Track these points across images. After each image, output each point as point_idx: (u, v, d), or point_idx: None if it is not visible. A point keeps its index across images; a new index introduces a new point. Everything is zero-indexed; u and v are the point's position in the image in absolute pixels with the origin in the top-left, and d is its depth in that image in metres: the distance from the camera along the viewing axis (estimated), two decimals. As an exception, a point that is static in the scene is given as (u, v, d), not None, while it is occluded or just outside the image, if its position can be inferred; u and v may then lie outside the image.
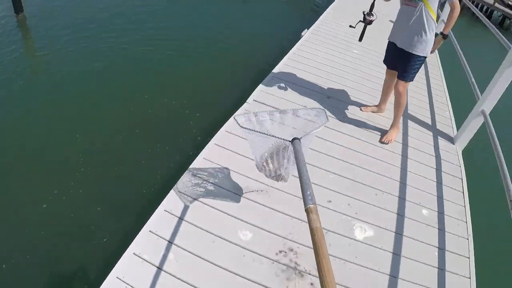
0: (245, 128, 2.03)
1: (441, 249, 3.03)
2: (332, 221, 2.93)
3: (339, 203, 3.11)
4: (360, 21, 3.91)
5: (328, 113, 4.13)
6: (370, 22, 3.91)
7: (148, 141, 4.55)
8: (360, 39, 4.11)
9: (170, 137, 4.61)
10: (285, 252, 2.59)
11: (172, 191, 2.79)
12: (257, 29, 9.30)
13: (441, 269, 2.87)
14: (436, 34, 3.56)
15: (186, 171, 2.96)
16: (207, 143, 3.32)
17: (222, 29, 8.79)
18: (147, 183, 3.94)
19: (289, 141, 1.88)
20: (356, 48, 6.14)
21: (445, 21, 3.50)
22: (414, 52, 3.59)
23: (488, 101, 4.06)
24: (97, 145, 4.39)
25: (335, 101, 4.41)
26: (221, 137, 3.39)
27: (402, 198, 3.37)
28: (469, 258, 3.05)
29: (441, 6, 3.71)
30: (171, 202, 2.71)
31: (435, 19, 3.47)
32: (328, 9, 8.06)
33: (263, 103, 3.96)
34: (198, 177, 2.94)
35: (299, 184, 1.42)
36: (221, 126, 3.54)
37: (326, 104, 4.26)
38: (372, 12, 3.86)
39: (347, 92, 4.71)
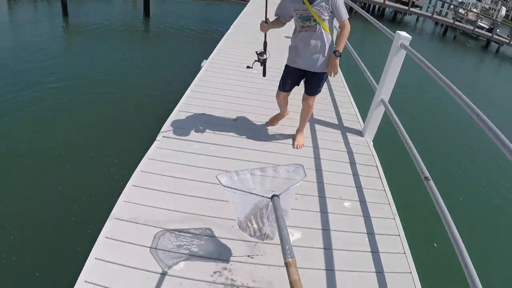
0: (227, 187, 2.09)
1: (370, 233, 3.12)
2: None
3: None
4: (256, 60, 3.95)
5: (237, 134, 4.19)
6: (265, 61, 3.95)
7: (70, 193, 4.49)
8: (264, 74, 4.16)
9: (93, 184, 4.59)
10: (219, 272, 2.56)
11: (99, 239, 2.68)
12: (159, 67, 9.48)
13: (375, 252, 2.96)
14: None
15: (109, 218, 2.86)
16: (126, 185, 3.24)
17: (127, 71, 8.88)
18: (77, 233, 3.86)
19: (269, 198, 1.96)
20: (257, 69, 6.30)
21: (336, 39, 3.74)
22: (321, 71, 3.79)
23: (385, 89, 4.30)
24: None
25: (241, 121, 4.48)
26: (138, 177, 3.32)
27: (322, 197, 3.44)
28: (399, 235, 3.17)
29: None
30: (101, 248, 2.60)
31: (332, 35, 3.71)
32: (223, 38, 8.26)
33: (173, 138, 3.94)
34: (123, 220, 2.85)
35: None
36: (136, 167, 3.47)
37: (234, 127, 4.32)
38: (266, 51, 3.92)
39: (251, 111, 4.81)
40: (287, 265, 1.37)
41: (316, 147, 4.22)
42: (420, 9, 36.86)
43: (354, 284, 2.66)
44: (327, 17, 3.55)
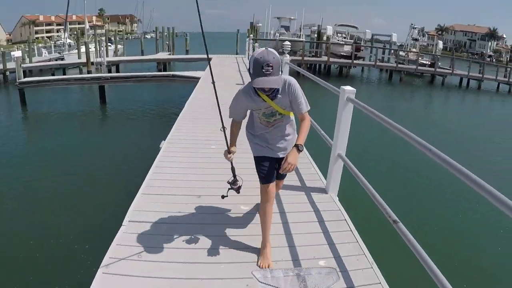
0: (263, 283, 2.31)
1: (350, 287, 3.11)
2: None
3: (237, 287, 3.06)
4: (229, 188, 3.67)
5: (203, 211, 4.19)
6: (239, 188, 3.66)
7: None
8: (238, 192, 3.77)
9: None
10: None
11: None
12: (120, 152, 9.54)
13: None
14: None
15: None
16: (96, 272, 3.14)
17: (88, 158, 8.87)
18: None
19: None
20: (215, 144, 6.42)
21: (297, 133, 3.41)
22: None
23: (340, 144, 4.44)
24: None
25: (205, 198, 4.47)
26: (108, 264, 3.22)
27: (295, 260, 3.43)
28: (380, 283, 3.18)
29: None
30: None
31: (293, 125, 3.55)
32: (179, 117, 8.39)
33: (139, 221, 3.89)
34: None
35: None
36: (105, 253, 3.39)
37: (198, 204, 4.32)
38: (236, 178, 3.67)
39: (214, 185, 4.74)
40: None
41: (282, 212, 4.24)
42: (363, 60, 38.71)
43: None
44: (289, 107, 3.31)
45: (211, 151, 6.06)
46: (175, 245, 3.55)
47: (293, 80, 3.19)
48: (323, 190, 4.72)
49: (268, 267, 3.31)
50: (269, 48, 2.99)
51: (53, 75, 26.87)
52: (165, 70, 29.87)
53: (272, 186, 3.45)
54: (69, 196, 6.98)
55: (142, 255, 3.38)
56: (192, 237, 3.70)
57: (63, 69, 30.60)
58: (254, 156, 3.55)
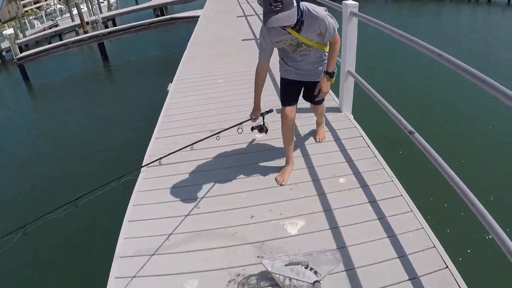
0: (274, 273, 2.33)
1: (373, 201, 3.11)
2: (263, 232, 2.90)
3: (261, 213, 3.10)
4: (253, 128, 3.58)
5: (219, 144, 4.12)
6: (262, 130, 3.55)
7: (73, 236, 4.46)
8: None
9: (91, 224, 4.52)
10: (234, 279, 2.54)
11: (110, 281, 2.64)
12: (129, 102, 9.53)
13: (381, 217, 2.94)
14: None
15: (115, 258, 2.82)
16: (123, 222, 3.19)
17: (100, 114, 8.90)
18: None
19: (311, 283, 2.19)
20: (222, 77, 6.34)
21: (327, 57, 3.27)
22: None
23: (348, 60, 4.32)
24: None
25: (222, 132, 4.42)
26: (132, 212, 3.27)
27: (316, 180, 3.42)
28: (401, 195, 3.16)
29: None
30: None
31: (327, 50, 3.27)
32: (182, 58, 8.25)
33: (157, 165, 3.88)
34: (128, 256, 2.81)
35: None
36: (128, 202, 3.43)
37: (213, 139, 4.27)
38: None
39: (228, 118, 4.75)
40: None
41: (298, 135, 4.19)
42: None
43: (370, 254, 2.64)
44: (316, 39, 3.11)
45: (219, 85, 5.96)
46: (194, 181, 3.57)
47: (319, 13, 2.92)
48: (337, 110, 4.64)
49: (282, 181, 3.42)
50: None
51: (50, 43, 26.45)
52: (162, 15, 29.19)
53: (291, 110, 3.35)
54: (84, 150, 7.01)
55: (163, 197, 3.42)
56: (211, 171, 3.70)
57: (59, 35, 29.84)
58: (280, 78, 3.51)
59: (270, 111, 3.61)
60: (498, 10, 30.86)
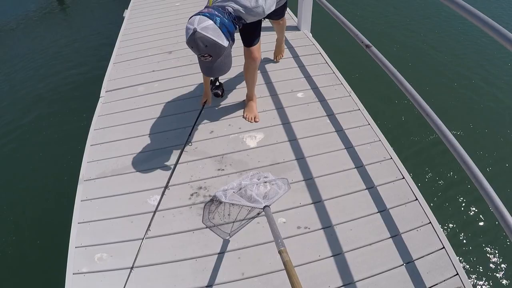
0: (227, 202, 2.46)
1: (331, 114, 3.19)
2: (223, 145, 2.97)
3: (220, 128, 3.16)
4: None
5: (176, 64, 4.12)
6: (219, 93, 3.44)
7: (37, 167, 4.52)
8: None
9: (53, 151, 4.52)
10: (196, 192, 2.61)
11: (76, 203, 2.68)
12: (84, 33, 9.18)
13: (339, 130, 3.05)
14: None
15: (79, 182, 2.84)
16: (85, 146, 3.20)
17: (55, 47, 8.60)
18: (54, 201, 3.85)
19: (261, 208, 2.24)
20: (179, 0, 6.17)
21: None
22: None
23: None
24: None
25: (177, 53, 4.38)
26: (94, 136, 3.26)
27: (274, 95, 3.46)
28: (359, 109, 3.25)
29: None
30: (81, 211, 2.60)
31: None
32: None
33: (115, 89, 3.84)
34: (92, 179, 2.84)
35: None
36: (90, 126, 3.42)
37: (171, 59, 4.23)
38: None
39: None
40: (280, 252, 1.71)
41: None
42: None
43: (328, 164, 2.76)
44: None
45: (177, 8, 5.81)
46: (153, 102, 3.56)
47: None
48: (296, 28, 4.59)
49: (255, 118, 3.19)
50: (200, 19, 2.35)
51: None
52: None
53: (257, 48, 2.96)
54: (43, 89, 6.82)
55: (123, 119, 3.41)
56: (169, 91, 3.69)
57: None
58: None
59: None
60: None
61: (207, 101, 3.23)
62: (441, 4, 2.03)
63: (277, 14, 3.13)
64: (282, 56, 4.00)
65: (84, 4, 12.26)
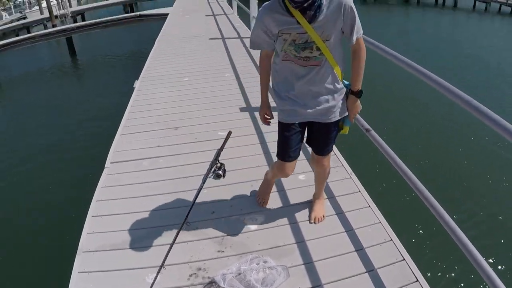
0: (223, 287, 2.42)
1: (331, 197, 3.22)
2: (224, 227, 2.98)
3: (222, 209, 3.17)
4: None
5: (181, 141, 4.23)
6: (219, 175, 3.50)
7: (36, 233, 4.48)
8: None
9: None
10: (195, 273, 2.59)
11: (73, 275, 2.66)
12: (95, 99, 9.48)
13: (340, 213, 3.06)
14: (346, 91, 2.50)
15: (77, 254, 2.83)
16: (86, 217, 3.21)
17: (65, 111, 8.80)
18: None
19: None
20: (188, 75, 6.39)
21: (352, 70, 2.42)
22: (334, 120, 2.53)
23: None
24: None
25: (183, 129, 4.51)
26: (96, 207, 3.28)
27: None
28: (359, 191, 3.29)
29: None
30: (77, 284, 2.58)
31: (340, 75, 2.40)
32: (149, 55, 8.25)
33: (121, 161, 3.92)
34: (91, 251, 2.83)
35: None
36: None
37: (176, 136, 4.35)
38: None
39: (191, 116, 4.86)
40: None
41: (260, 134, 4.30)
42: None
43: (328, 247, 2.75)
44: (337, 42, 2.27)
45: (185, 83, 6.01)
46: (157, 178, 3.61)
47: None
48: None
49: (263, 204, 3.12)
50: None
51: (17, 36, 25.61)
52: (132, 12, 28.82)
53: (289, 166, 2.65)
54: (50, 146, 6.94)
55: (126, 193, 3.43)
56: (173, 167, 3.75)
57: (27, 28, 28.87)
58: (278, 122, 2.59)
59: (228, 136, 3.51)
60: (463, 14, 31.89)
61: (267, 115, 2.69)
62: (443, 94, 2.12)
63: (318, 143, 2.70)
64: (322, 219, 3.04)
65: (97, 67, 12.72)
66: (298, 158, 2.70)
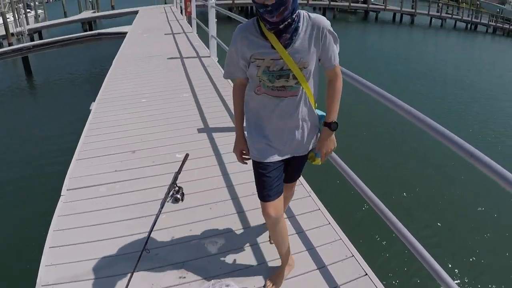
0: None
1: (291, 216, 3.22)
2: (184, 252, 2.94)
3: (182, 233, 3.13)
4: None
5: (139, 165, 4.19)
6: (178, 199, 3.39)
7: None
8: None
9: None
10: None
11: None
12: (50, 122, 9.26)
13: (300, 232, 3.08)
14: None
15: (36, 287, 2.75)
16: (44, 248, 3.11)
17: (18, 135, 8.57)
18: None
19: None
20: (145, 96, 6.34)
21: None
22: (308, 151, 2.41)
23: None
24: None
25: (140, 153, 4.45)
26: (54, 237, 3.18)
27: (235, 198, 3.54)
28: (319, 209, 3.29)
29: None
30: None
31: (314, 105, 2.23)
32: (107, 75, 8.10)
33: (78, 188, 3.82)
34: (50, 285, 2.75)
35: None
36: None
37: (134, 159, 4.30)
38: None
39: (149, 138, 4.82)
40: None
41: (219, 154, 4.29)
42: (296, -1, 38.17)
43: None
44: (314, 70, 2.09)
45: (142, 104, 5.97)
46: (115, 204, 3.54)
47: (323, 19, 2.04)
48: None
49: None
50: None
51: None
52: (91, 30, 28.34)
53: (271, 206, 2.27)
54: (1, 177, 6.72)
55: (84, 221, 3.34)
56: (132, 193, 3.69)
57: None
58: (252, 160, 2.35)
59: (185, 158, 3.35)
60: (420, 31, 33.12)
61: (239, 155, 2.44)
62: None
63: (292, 173, 2.54)
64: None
65: (54, 88, 12.45)
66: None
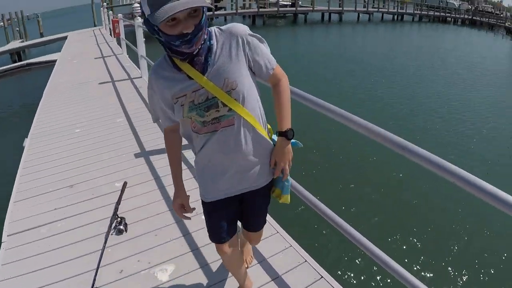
0: None
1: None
2: (134, 284, 2.88)
3: (129, 265, 3.07)
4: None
5: (78, 200, 4.07)
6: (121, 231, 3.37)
7: None
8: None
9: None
10: None
11: None
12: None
13: (262, 261, 3.06)
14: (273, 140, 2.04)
15: None
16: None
17: None
18: None
19: None
20: (79, 126, 6.20)
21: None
22: (267, 182, 2.11)
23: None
24: None
25: (78, 187, 4.34)
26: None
27: (179, 221, 3.51)
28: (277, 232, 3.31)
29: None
30: None
31: (260, 128, 1.91)
32: (38, 108, 7.81)
33: (18, 232, 3.65)
34: None
35: None
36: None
37: (73, 194, 4.19)
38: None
39: (88, 170, 4.71)
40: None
41: (157, 178, 4.23)
42: (225, 9, 38.73)
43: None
44: (247, 88, 1.79)
45: (76, 135, 5.83)
46: (57, 245, 3.40)
47: (236, 26, 1.79)
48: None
49: None
50: None
51: None
52: (20, 60, 27.28)
53: (229, 243, 2.15)
54: None
55: (27, 267, 3.19)
56: (73, 230, 3.58)
57: None
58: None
59: (123, 187, 3.32)
60: (348, 27, 34.14)
61: (183, 207, 2.12)
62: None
63: (253, 217, 2.29)
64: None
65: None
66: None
